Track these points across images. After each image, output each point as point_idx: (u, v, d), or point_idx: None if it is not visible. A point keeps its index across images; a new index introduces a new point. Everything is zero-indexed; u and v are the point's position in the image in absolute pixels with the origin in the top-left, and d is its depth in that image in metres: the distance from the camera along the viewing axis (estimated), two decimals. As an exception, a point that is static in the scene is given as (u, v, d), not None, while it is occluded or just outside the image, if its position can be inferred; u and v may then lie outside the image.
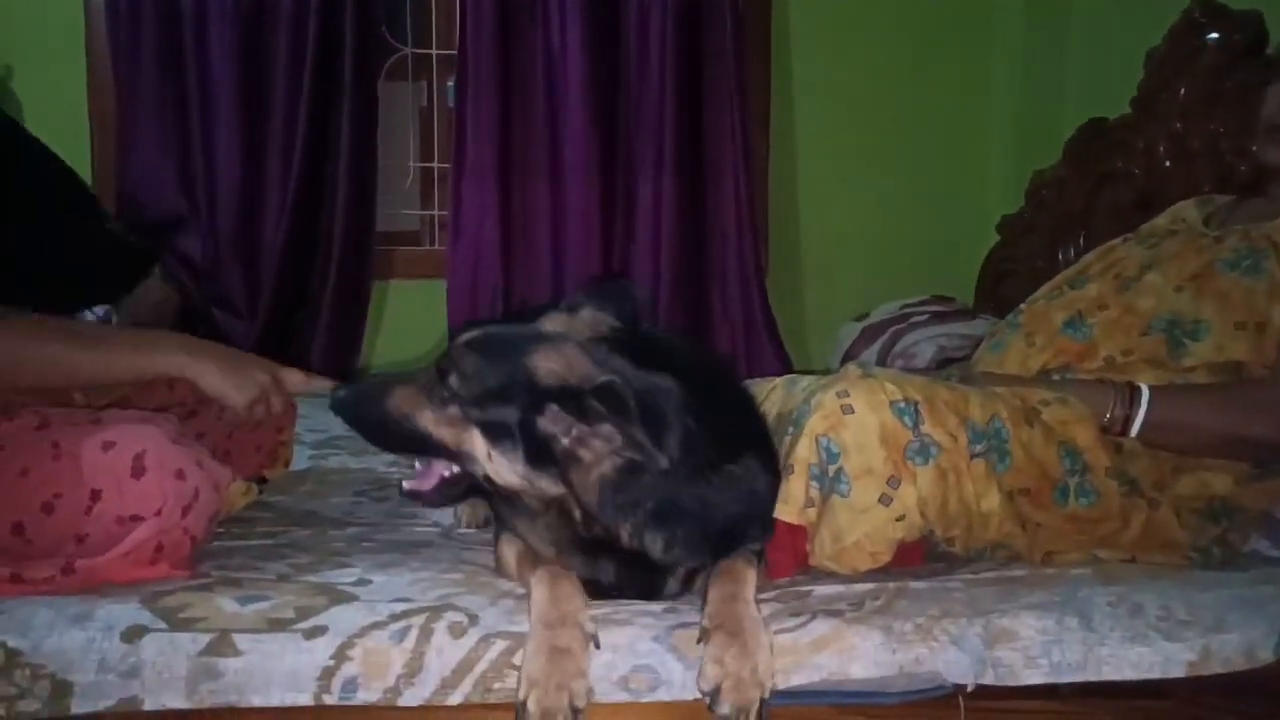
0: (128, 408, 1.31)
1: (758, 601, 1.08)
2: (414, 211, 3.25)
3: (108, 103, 2.91)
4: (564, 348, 1.08)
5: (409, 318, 3.05)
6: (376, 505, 1.61)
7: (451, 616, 1.06)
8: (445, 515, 1.53)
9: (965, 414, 1.20)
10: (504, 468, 1.07)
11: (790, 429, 1.21)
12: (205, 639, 1.02)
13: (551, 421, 1.04)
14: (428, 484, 1.15)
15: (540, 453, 1.05)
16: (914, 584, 1.17)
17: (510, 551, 1.19)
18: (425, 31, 3.16)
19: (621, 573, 1.14)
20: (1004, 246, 2.84)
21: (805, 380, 1.37)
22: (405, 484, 1.17)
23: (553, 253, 2.99)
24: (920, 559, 1.24)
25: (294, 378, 1.34)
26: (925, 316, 2.65)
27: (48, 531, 1.13)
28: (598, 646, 1.03)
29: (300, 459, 1.84)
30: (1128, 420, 1.27)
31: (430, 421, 1.09)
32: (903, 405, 1.16)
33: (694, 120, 2.97)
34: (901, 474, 1.15)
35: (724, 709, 0.98)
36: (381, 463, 1.88)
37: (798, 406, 1.24)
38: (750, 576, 1.09)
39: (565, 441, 1.04)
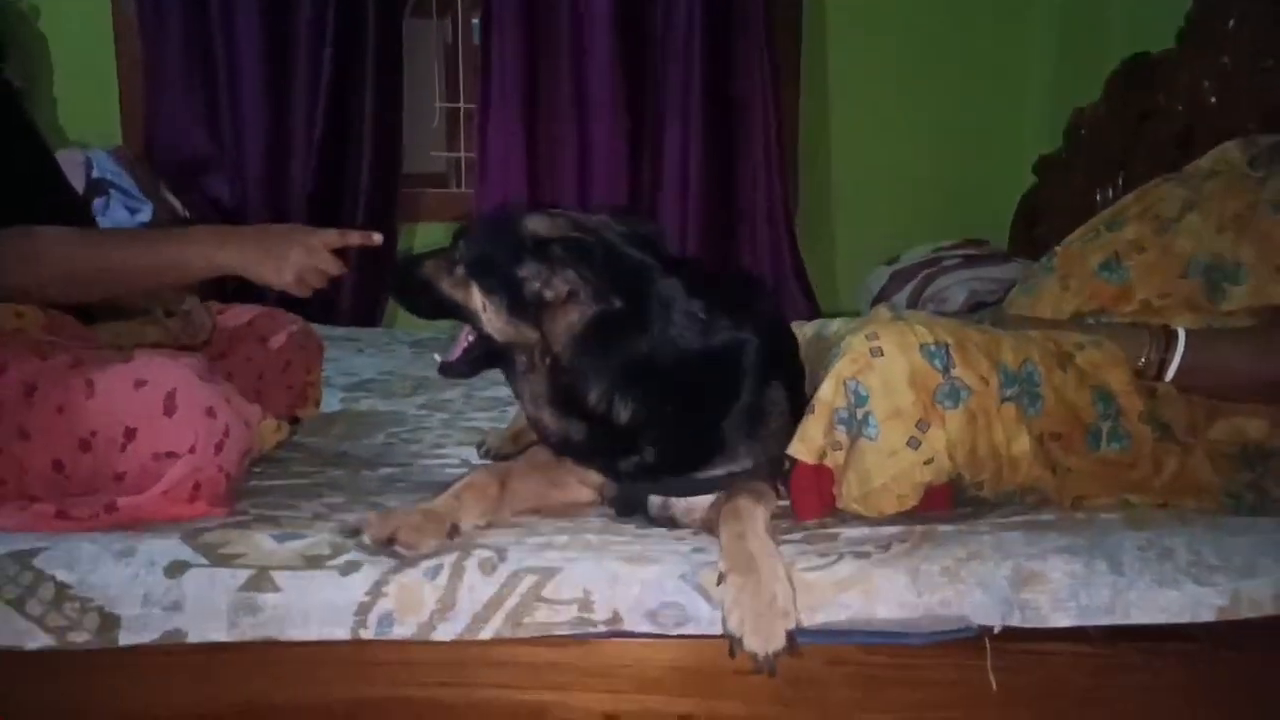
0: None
1: (774, 536, 1.09)
2: (440, 153, 3.24)
3: (134, 44, 2.89)
4: (555, 217, 1.20)
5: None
6: (407, 446, 1.63)
7: (481, 554, 1.08)
8: (472, 454, 1.56)
9: (997, 357, 1.19)
10: (494, 317, 1.17)
11: (821, 371, 1.21)
12: (245, 574, 1.05)
13: (525, 269, 1.15)
14: (454, 355, 1.24)
15: (520, 301, 1.15)
16: (941, 527, 1.17)
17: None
18: (449, -33, 3.10)
19: (593, 436, 1.17)
20: (1040, 188, 2.78)
21: (836, 323, 1.36)
22: (437, 357, 1.26)
23: (579, 193, 2.97)
24: (948, 503, 1.24)
25: (329, 237, 1.28)
26: (957, 260, 2.61)
27: (85, 468, 1.16)
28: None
29: (331, 401, 1.86)
30: (1163, 364, 1.25)
31: (446, 284, 1.21)
32: (933, 348, 1.15)
33: (723, 58, 2.91)
34: (930, 417, 1.14)
35: (751, 646, 0.99)
36: (411, 405, 1.91)
37: (828, 349, 1.23)
38: (757, 512, 1.10)
39: (535, 285, 1.14)
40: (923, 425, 1.14)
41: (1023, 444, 1.18)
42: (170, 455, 1.13)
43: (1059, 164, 2.68)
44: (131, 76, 2.93)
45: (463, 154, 3.18)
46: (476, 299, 1.18)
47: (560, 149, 2.96)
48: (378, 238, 1.32)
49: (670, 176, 2.97)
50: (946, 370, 1.15)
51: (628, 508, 1.24)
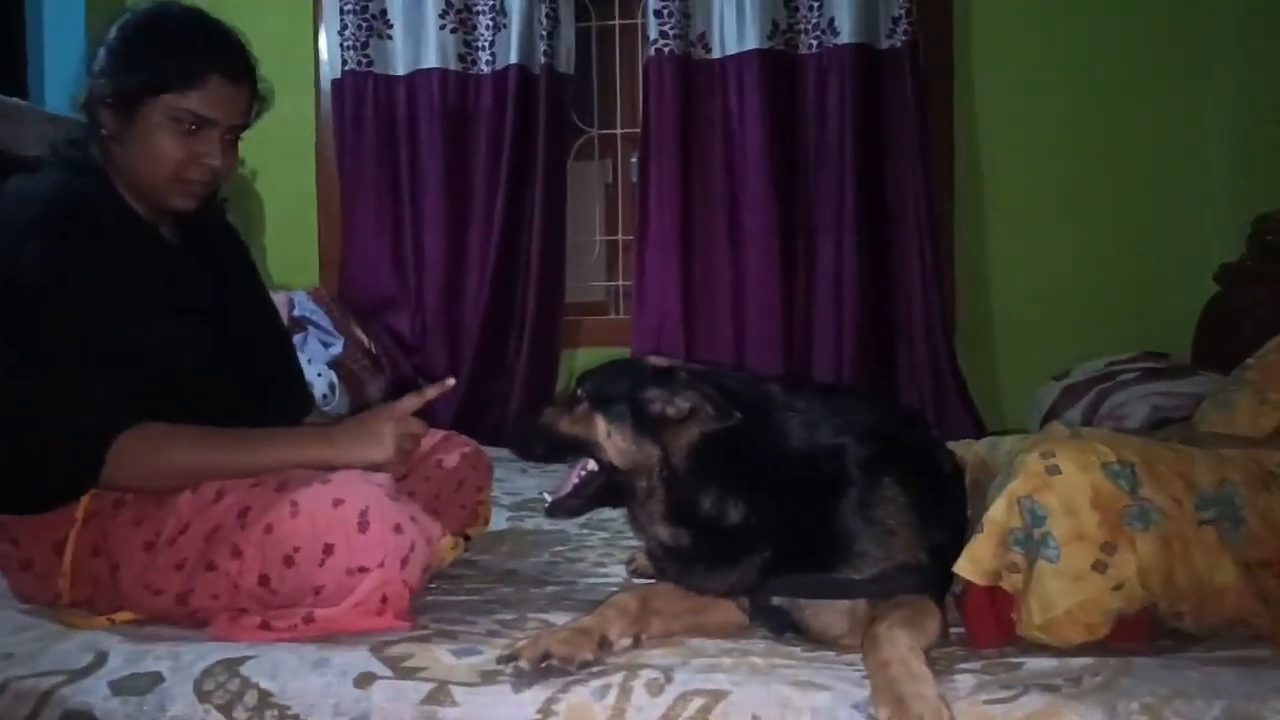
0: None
1: (928, 659, 1.04)
2: (600, 283, 3.42)
3: (333, 196, 3.25)
4: (672, 359, 1.35)
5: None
6: (571, 565, 1.68)
7: (648, 674, 1.09)
8: (623, 570, 1.60)
9: (1190, 477, 1.12)
10: (618, 439, 1.23)
11: (991, 492, 1.17)
12: (426, 688, 1.09)
13: (649, 392, 1.23)
14: (564, 491, 1.29)
15: (642, 421, 1.22)
16: (1138, 660, 1.08)
17: None
18: (610, 112, 3.34)
19: (700, 543, 1.21)
20: (1224, 297, 2.63)
21: (1008, 441, 1.32)
22: (546, 495, 1.32)
23: (734, 318, 3.05)
24: (1145, 635, 1.15)
25: (408, 404, 1.39)
26: (1135, 374, 2.48)
27: (289, 582, 1.25)
28: None
29: (499, 520, 1.94)
30: None
31: (566, 423, 1.28)
32: (1116, 467, 1.10)
33: (875, 180, 2.96)
34: (1118, 540, 1.08)
35: None
36: (574, 525, 1.96)
37: (1000, 469, 1.19)
38: (897, 636, 1.05)
39: (659, 405, 1.22)
40: (1109, 549, 1.08)
41: (1227, 572, 1.10)
42: (362, 570, 1.21)
43: (1244, 271, 2.53)
44: (329, 227, 3.28)
45: (620, 282, 3.34)
46: (600, 428, 1.24)
47: (714, 276, 3.05)
48: (450, 382, 1.44)
49: (824, 299, 3.00)
50: (1134, 490, 1.09)
51: (770, 620, 1.22)
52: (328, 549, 1.23)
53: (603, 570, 1.63)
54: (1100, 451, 1.12)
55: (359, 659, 1.13)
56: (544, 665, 1.09)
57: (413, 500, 1.37)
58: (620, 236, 3.33)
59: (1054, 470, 1.11)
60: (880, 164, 2.97)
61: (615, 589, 1.49)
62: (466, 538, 1.68)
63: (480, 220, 3.12)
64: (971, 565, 1.13)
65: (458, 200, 3.13)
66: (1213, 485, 1.12)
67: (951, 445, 1.43)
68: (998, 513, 1.13)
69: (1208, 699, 0.99)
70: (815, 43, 2.99)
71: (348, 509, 1.24)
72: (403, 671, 1.11)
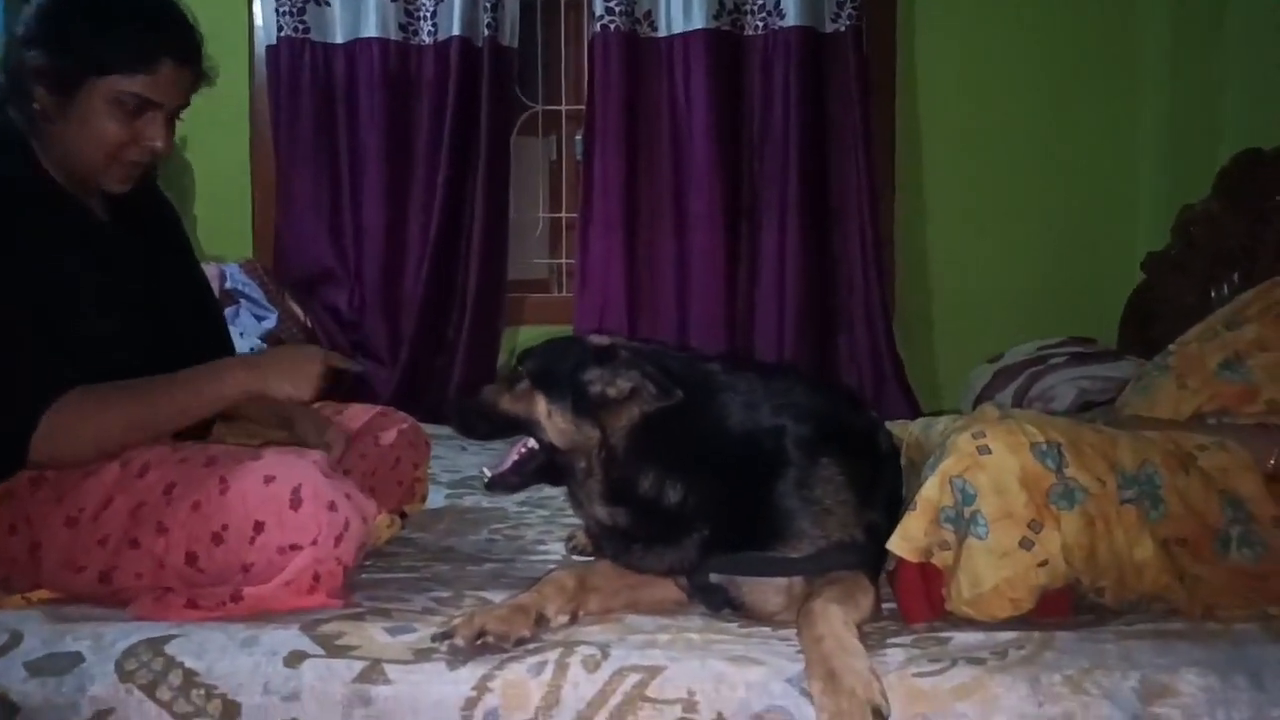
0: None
1: (860, 633, 1.06)
2: (543, 260, 3.37)
3: (268, 166, 3.15)
4: (614, 336, 1.33)
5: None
6: (510, 542, 1.67)
7: (585, 650, 1.09)
8: (562, 547, 1.60)
9: (1114, 458, 1.15)
10: (558, 420, 1.22)
11: (925, 471, 1.19)
12: (359, 666, 1.07)
13: (590, 373, 1.22)
14: (504, 467, 1.30)
15: (584, 402, 1.21)
16: (1061, 634, 1.11)
17: None
18: (555, 88, 3.30)
19: (638, 522, 1.22)
20: (1150, 286, 2.71)
21: (941, 422, 1.35)
22: (485, 470, 1.32)
23: (677, 299, 3.05)
24: (1067, 610, 1.19)
25: (336, 359, 1.39)
26: (1064, 358, 2.54)
27: (217, 560, 1.22)
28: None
29: (437, 497, 1.92)
30: None
31: (507, 401, 1.28)
32: (1044, 447, 1.13)
33: (818, 164, 2.98)
34: (1044, 518, 1.11)
35: None
36: (512, 502, 1.95)
37: (933, 449, 1.21)
38: (830, 611, 1.07)
39: (599, 386, 1.21)
40: (1035, 526, 1.11)
41: (1146, 549, 1.13)
42: (294, 548, 1.19)
43: (1169, 261, 2.61)
44: (264, 197, 3.19)
45: (564, 260, 3.30)
46: (541, 408, 1.24)
47: (658, 256, 3.04)
48: (358, 367, 1.43)
49: (766, 281, 3.01)
50: (1060, 470, 1.12)
51: (708, 598, 1.23)
52: (258, 526, 1.21)
53: (542, 548, 1.62)
54: (1029, 432, 1.14)
55: (289, 637, 1.11)
56: (480, 643, 1.08)
57: (348, 477, 1.35)
58: (564, 214, 3.30)
59: (985, 450, 1.13)
60: (824, 149, 2.99)
61: (554, 566, 1.49)
62: (403, 515, 1.66)
63: (421, 194, 3.05)
64: (904, 542, 1.15)
65: (398, 173, 3.06)
66: (1134, 466, 1.15)
67: (889, 425, 1.45)
68: (930, 491, 1.15)
69: (1125, 671, 1.03)
70: (761, 24, 2.99)
71: (279, 486, 1.21)
72: (335, 650, 1.10)
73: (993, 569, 1.11)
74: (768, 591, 1.21)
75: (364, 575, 1.36)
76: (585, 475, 1.24)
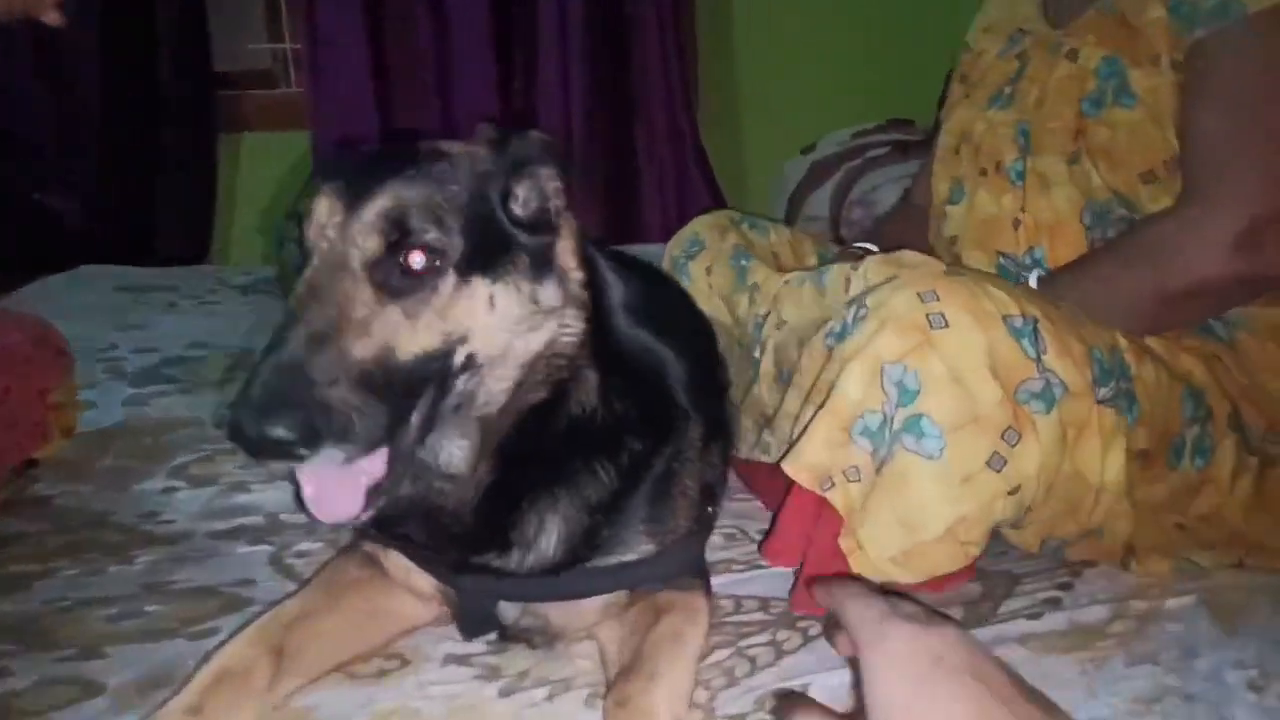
0: None
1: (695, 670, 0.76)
2: (261, 45, 2.72)
3: None
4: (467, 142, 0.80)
5: (273, 182, 2.54)
6: (199, 493, 1.16)
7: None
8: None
9: (1089, 339, 0.82)
10: (511, 305, 0.73)
11: (828, 340, 0.83)
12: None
13: (527, 189, 0.77)
14: (346, 492, 0.69)
15: (538, 257, 0.76)
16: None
17: None
18: None
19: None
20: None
21: (835, 270, 0.92)
22: (307, 490, 0.69)
23: (439, 91, 2.57)
24: (969, 575, 0.87)
25: None
26: (884, 149, 2.26)
27: None
28: None
29: (110, 406, 1.40)
30: None
31: (407, 330, 0.69)
32: (1019, 322, 0.78)
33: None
34: (1021, 425, 0.76)
35: None
36: (222, 401, 1.46)
37: (837, 311, 0.85)
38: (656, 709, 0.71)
39: (557, 201, 0.78)
40: (1010, 436, 0.76)
41: (1116, 465, 0.82)
42: None
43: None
44: None
45: (288, 45, 2.70)
46: (480, 303, 0.75)
47: (412, 35, 2.50)
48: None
49: (547, 64, 2.55)
50: (1039, 357, 0.78)
51: (474, 620, 0.84)
52: None
53: (241, 500, 1.14)
54: (996, 298, 0.78)
55: None
56: None
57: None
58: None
59: (939, 321, 0.76)
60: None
61: (255, 554, 1.02)
62: (31, 465, 1.16)
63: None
64: (803, 469, 0.80)
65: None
66: (1106, 349, 0.83)
67: (756, 273, 1.09)
68: (852, 385, 0.78)
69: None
70: None
71: None
72: None
73: (949, 503, 0.76)
74: (581, 614, 0.82)
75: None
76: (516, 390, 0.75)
